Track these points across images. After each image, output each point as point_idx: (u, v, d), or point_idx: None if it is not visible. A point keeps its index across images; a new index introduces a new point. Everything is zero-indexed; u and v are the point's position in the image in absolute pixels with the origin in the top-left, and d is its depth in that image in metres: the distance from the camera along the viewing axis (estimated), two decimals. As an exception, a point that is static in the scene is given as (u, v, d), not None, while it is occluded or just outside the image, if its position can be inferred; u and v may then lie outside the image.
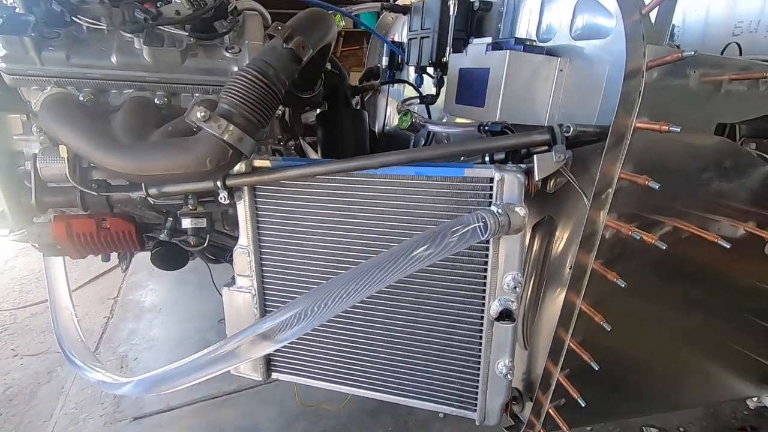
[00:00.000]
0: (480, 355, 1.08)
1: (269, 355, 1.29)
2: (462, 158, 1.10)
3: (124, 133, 0.94)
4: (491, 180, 0.96)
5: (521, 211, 0.94)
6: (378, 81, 1.73)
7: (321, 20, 1.08)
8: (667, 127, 0.80)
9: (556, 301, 1.09)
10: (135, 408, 2.55)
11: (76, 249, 1.16)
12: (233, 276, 1.22)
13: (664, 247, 0.86)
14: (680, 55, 0.78)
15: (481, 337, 1.07)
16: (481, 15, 1.35)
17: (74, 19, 0.97)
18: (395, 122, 2.13)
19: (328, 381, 1.26)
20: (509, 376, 1.05)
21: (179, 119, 0.99)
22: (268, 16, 1.40)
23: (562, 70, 1.06)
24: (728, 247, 0.91)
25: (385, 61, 1.92)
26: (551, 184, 1.09)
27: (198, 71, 1.08)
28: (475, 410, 1.13)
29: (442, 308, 1.09)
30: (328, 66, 1.52)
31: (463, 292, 1.06)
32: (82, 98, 1.03)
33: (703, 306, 1.19)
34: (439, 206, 1.02)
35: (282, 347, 1.26)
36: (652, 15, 0.91)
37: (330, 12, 1.45)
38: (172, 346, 3.09)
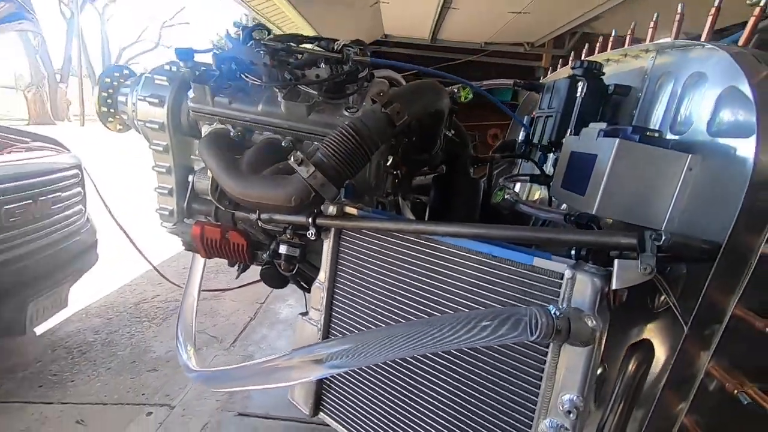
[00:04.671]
0: (518, 479, 0.91)
1: (322, 392, 1.32)
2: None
3: (245, 165, 1.16)
4: (562, 276, 0.84)
5: (590, 321, 0.79)
6: (498, 154, 1.70)
7: (425, 91, 1.15)
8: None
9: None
10: (242, 405, 2.84)
11: (204, 250, 1.43)
12: (309, 307, 1.33)
13: (792, 429, 0.60)
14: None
15: (523, 458, 0.90)
16: (618, 99, 1.23)
17: (243, 75, 1.27)
18: (524, 196, 2.03)
19: (362, 440, 1.22)
20: None
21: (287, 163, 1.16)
22: (404, 83, 1.55)
23: (691, 169, 0.89)
24: None
25: (521, 135, 1.88)
26: (658, 301, 0.90)
27: (319, 124, 1.26)
28: None
29: (485, 405, 0.96)
30: (451, 133, 1.57)
31: (513, 396, 0.92)
32: (233, 134, 1.31)
33: None
34: (502, 291, 0.93)
35: (335, 392, 1.29)
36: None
37: (459, 85, 1.53)
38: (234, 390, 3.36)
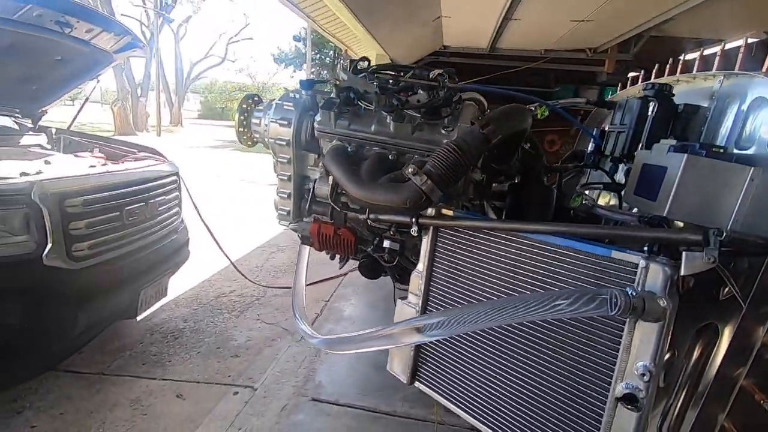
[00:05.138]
0: (598, 435, 1.11)
1: (418, 364, 1.57)
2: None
3: (365, 174, 1.45)
4: (637, 266, 1.03)
5: (662, 302, 0.98)
6: (572, 164, 1.88)
7: (514, 114, 1.38)
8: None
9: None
10: (315, 391, 3.14)
11: (318, 243, 1.74)
12: (408, 293, 1.59)
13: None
14: None
15: (601, 416, 1.10)
16: (687, 118, 1.39)
17: (358, 102, 1.57)
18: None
19: (457, 405, 1.45)
20: (623, 465, 1.04)
21: (399, 171, 1.44)
22: (485, 103, 1.79)
23: (753, 179, 1.05)
24: None
25: (591, 146, 2.05)
26: (723, 292, 1.07)
27: (420, 141, 1.53)
28: (583, 490, 1.13)
29: (570, 373, 1.17)
30: (527, 146, 1.79)
31: (593, 364, 1.12)
32: (349, 149, 1.61)
33: None
34: (582, 279, 1.14)
35: (428, 363, 1.54)
36: None
37: (536, 105, 1.74)
38: (351, 355, 3.66)
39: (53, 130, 4.17)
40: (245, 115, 1.86)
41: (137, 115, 21.03)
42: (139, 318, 3.86)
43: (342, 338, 1.47)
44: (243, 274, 4.98)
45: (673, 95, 1.38)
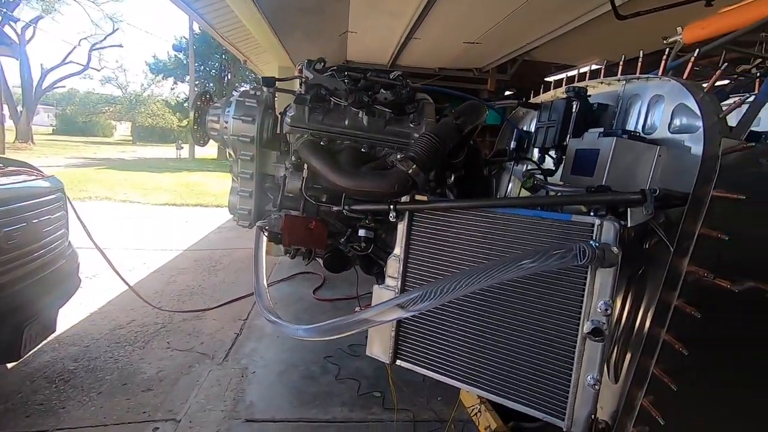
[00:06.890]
0: (572, 368, 1.33)
1: (399, 343, 1.67)
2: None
3: (346, 165, 1.53)
4: (592, 225, 1.30)
5: (615, 249, 1.25)
6: (507, 157, 2.19)
7: (479, 109, 1.61)
8: (735, 197, 1.08)
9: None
10: (248, 412, 3.00)
11: (289, 238, 1.74)
12: (385, 277, 1.68)
13: (737, 290, 1.08)
14: (746, 145, 1.09)
15: (574, 352, 1.33)
16: (599, 113, 1.75)
17: (329, 98, 1.64)
18: (516, 189, 2.53)
19: (440, 373, 1.58)
20: (596, 387, 1.28)
21: (378, 161, 1.55)
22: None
23: (660, 156, 1.40)
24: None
25: (513, 144, 2.39)
26: (649, 243, 1.38)
27: (392, 134, 1.66)
28: (563, 419, 1.35)
29: (543, 322, 1.39)
30: (471, 142, 2.03)
31: (562, 310, 1.35)
32: (322, 143, 1.67)
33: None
34: (548, 242, 1.37)
35: (409, 341, 1.65)
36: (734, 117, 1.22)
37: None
38: (281, 369, 3.50)
39: None
40: (199, 112, 1.79)
41: (-30, 129, 17.39)
42: (9, 366, 3.23)
43: (327, 325, 1.50)
44: (146, 300, 4.49)
45: (590, 96, 1.73)
